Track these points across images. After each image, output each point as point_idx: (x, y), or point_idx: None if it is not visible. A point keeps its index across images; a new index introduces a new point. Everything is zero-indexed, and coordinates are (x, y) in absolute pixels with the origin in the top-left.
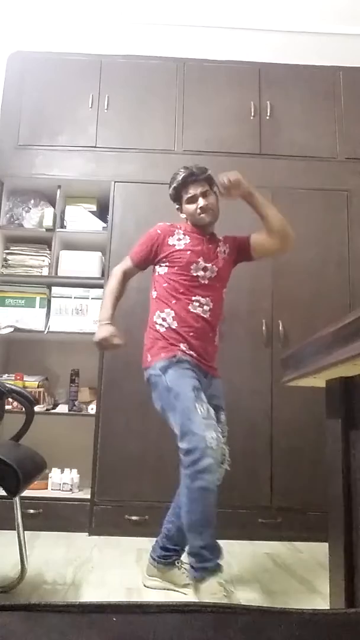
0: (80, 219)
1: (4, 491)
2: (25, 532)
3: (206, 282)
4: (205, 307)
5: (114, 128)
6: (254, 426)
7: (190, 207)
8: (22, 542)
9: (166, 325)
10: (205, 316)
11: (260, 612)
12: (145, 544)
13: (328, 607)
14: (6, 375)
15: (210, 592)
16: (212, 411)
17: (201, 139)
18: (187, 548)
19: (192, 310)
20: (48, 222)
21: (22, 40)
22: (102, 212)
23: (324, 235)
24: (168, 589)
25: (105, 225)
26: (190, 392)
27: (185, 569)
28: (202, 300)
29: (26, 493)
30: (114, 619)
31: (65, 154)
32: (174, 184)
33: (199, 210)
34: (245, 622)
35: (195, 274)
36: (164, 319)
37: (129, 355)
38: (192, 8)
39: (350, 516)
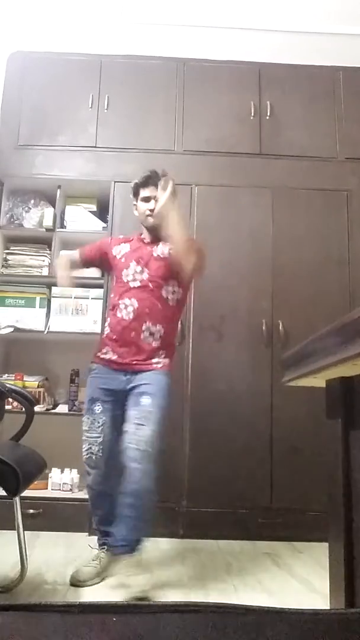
0: (80, 219)
1: (4, 491)
2: (25, 532)
3: (137, 284)
4: (129, 308)
5: (114, 128)
6: (254, 426)
7: (142, 207)
8: (22, 542)
9: (104, 332)
10: (128, 318)
11: (260, 612)
12: (145, 544)
13: (328, 607)
14: (6, 375)
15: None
16: (98, 421)
17: (201, 139)
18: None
19: (117, 314)
20: (48, 222)
21: (22, 40)
22: (102, 212)
23: (324, 235)
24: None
25: (105, 225)
26: (86, 405)
27: (127, 565)
28: (127, 302)
29: (26, 493)
30: (114, 619)
31: (65, 154)
32: (136, 180)
33: (147, 212)
34: (245, 622)
35: (125, 280)
36: (104, 326)
37: None
38: (192, 8)
39: (350, 516)
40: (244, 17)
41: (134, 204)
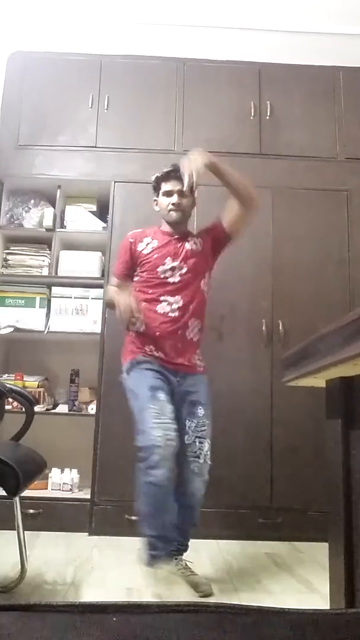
0: (80, 219)
1: (4, 491)
2: (25, 532)
3: (176, 280)
4: (174, 306)
5: (114, 128)
6: (254, 426)
7: (164, 201)
8: (22, 542)
9: (134, 330)
10: (174, 315)
11: (260, 612)
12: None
13: (328, 607)
14: (6, 375)
15: (164, 578)
16: (168, 409)
17: (201, 139)
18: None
19: (159, 311)
20: (48, 222)
21: (22, 40)
22: (102, 212)
23: (324, 235)
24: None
25: (105, 225)
26: (146, 392)
27: (182, 565)
28: (171, 299)
29: (26, 493)
30: (114, 619)
31: (65, 154)
32: (158, 174)
33: (170, 206)
34: (245, 622)
35: (163, 276)
36: (132, 325)
37: None
38: (192, 8)
39: (350, 516)
40: (244, 17)
41: (155, 200)
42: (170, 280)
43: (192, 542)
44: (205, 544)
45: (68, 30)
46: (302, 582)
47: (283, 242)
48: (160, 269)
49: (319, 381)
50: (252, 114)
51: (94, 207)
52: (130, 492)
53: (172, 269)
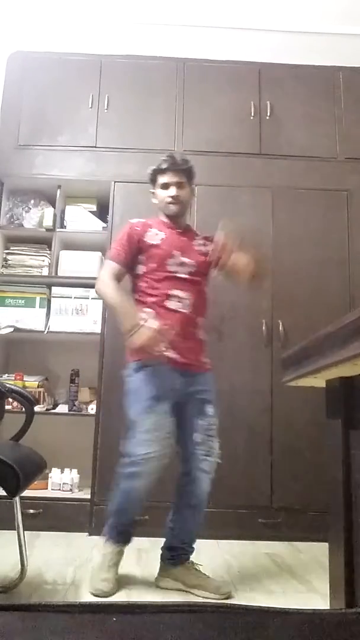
0: (80, 219)
1: (4, 491)
2: (25, 532)
3: (185, 276)
4: (185, 302)
5: (114, 128)
6: (254, 426)
7: (161, 194)
8: (22, 542)
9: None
10: (185, 311)
11: (260, 612)
12: (145, 544)
13: (328, 607)
14: (6, 375)
15: (103, 554)
16: (167, 422)
17: (201, 139)
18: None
19: (170, 306)
20: (48, 222)
21: (22, 40)
22: (102, 212)
23: (324, 235)
24: (179, 590)
25: (105, 225)
26: (147, 401)
27: (195, 569)
28: (181, 294)
29: (26, 493)
30: (114, 619)
31: (65, 154)
32: (154, 167)
33: (168, 199)
34: (245, 622)
35: (172, 269)
36: (144, 320)
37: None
38: (192, 8)
39: (350, 516)
40: (244, 17)
41: (152, 192)
42: (180, 275)
43: None
44: (205, 544)
45: (68, 30)
46: (302, 582)
47: (283, 242)
48: (169, 261)
49: (319, 381)
50: (252, 114)
51: (94, 207)
52: None
53: (182, 264)
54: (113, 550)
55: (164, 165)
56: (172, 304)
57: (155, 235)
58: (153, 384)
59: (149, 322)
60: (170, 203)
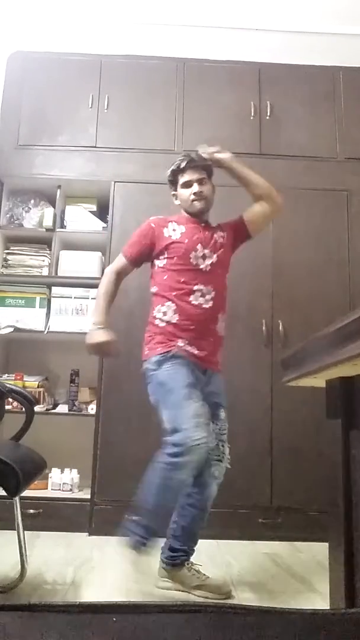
0: (80, 219)
1: (4, 491)
2: (25, 532)
3: (207, 269)
4: (207, 297)
5: (114, 128)
6: (254, 426)
7: (184, 193)
8: (22, 542)
9: (166, 320)
10: (207, 306)
11: (260, 612)
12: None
13: (328, 607)
14: (6, 375)
15: (134, 563)
16: (205, 409)
17: (201, 139)
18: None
19: (193, 301)
20: (48, 222)
21: (22, 40)
22: (102, 212)
23: (324, 235)
24: (178, 590)
25: (105, 225)
26: (183, 389)
27: (195, 570)
28: (204, 289)
29: (26, 493)
30: (114, 619)
31: (65, 154)
32: (173, 167)
33: (192, 197)
34: (245, 622)
35: (195, 263)
36: (164, 313)
37: (129, 355)
38: (192, 8)
39: (350, 516)
40: (244, 17)
41: (173, 194)
42: (202, 268)
43: None
44: (205, 544)
45: (68, 30)
46: (302, 582)
47: (283, 242)
48: (192, 254)
49: (319, 381)
50: (252, 114)
51: (94, 207)
52: (131, 492)
53: (204, 256)
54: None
55: (183, 164)
56: (195, 299)
57: (175, 230)
58: (183, 372)
59: (103, 332)
60: (194, 200)
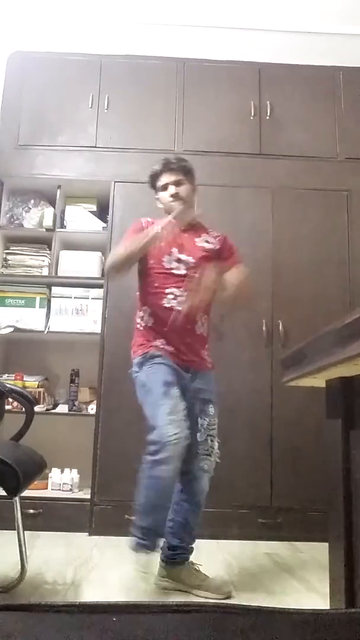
0: (80, 219)
1: (4, 491)
2: (25, 532)
3: (182, 272)
4: (181, 299)
5: (114, 128)
6: (254, 426)
7: (163, 195)
8: (22, 542)
9: (144, 324)
10: (180, 308)
11: (260, 612)
12: None
13: (328, 607)
14: (6, 375)
15: (135, 563)
16: (182, 405)
17: (201, 139)
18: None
19: (166, 304)
20: (48, 222)
21: (22, 40)
22: (102, 212)
23: (324, 235)
24: (179, 590)
25: (105, 225)
26: (161, 387)
27: (195, 570)
28: (177, 292)
29: (26, 493)
30: (114, 619)
31: (65, 154)
32: (150, 172)
33: (170, 198)
34: (245, 622)
35: (168, 266)
36: (142, 317)
37: (129, 355)
38: (192, 8)
39: (350, 516)
40: (244, 17)
41: (157, 198)
42: (176, 272)
43: None
44: (205, 544)
45: (68, 30)
46: (302, 582)
47: (283, 242)
48: (166, 258)
49: (319, 381)
50: (252, 114)
51: (94, 207)
52: (131, 492)
53: (179, 260)
54: (147, 559)
55: (158, 168)
56: (167, 302)
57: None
58: (161, 371)
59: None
60: (172, 202)
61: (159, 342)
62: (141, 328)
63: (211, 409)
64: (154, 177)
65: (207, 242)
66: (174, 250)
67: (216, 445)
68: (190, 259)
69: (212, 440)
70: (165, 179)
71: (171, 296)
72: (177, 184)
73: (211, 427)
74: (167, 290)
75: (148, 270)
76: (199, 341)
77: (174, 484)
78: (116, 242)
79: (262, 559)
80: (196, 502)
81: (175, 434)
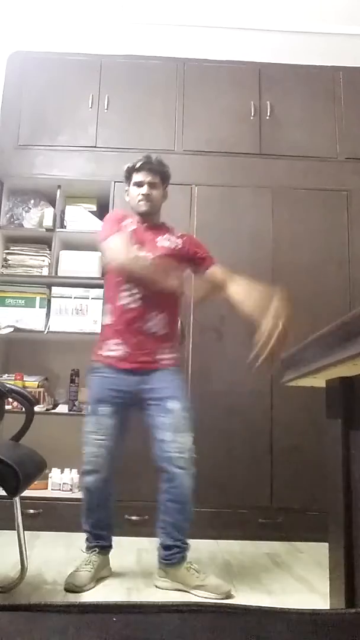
0: (80, 219)
1: (4, 491)
2: (25, 532)
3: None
4: (136, 296)
5: (114, 128)
6: (254, 426)
7: (134, 192)
8: (22, 542)
9: (105, 322)
10: (134, 306)
11: (260, 612)
12: (145, 544)
13: (328, 607)
14: (6, 375)
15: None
16: (105, 423)
17: (201, 139)
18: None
19: (121, 301)
20: (48, 222)
21: (22, 40)
22: (102, 212)
23: (324, 235)
24: (178, 590)
25: None
26: (91, 405)
27: (194, 570)
28: (133, 289)
29: (26, 493)
30: (114, 619)
31: (65, 154)
32: (129, 165)
33: (140, 197)
34: (245, 622)
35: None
36: (105, 315)
37: None
38: (192, 8)
39: (350, 516)
40: (244, 17)
41: (126, 190)
42: None
43: (192, 542)
44: (205, 544)
45: (68, 30)
46: (302, 582)
47: (283, 242)
48: None
49: (319, 381)
50: (252, 114)
51: (94, 207)
52: (130, 492)
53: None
54: (91, 556)
55: (139, 164)
56: (122, 299)
57: (125, 227)
58: (96, 385)
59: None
60: (140, 201)
61: (111, 342)
62: (103, 325)
63: (172, 404)
64: (131, 171)
65: (168, 240)
66: (134, 247)
67: (188, 439)
68: (149, 256)
69: (182, 437)
70: (142, 176)
71: (126, 292)
72: (152, 185)
73: (176, 423)
74: (122, 287)
75: (107, 266)
76: (151, 341)
77: (104, 490)
78: None
79: (262, 559)
80: (180, 500)
81: (92, 452)
